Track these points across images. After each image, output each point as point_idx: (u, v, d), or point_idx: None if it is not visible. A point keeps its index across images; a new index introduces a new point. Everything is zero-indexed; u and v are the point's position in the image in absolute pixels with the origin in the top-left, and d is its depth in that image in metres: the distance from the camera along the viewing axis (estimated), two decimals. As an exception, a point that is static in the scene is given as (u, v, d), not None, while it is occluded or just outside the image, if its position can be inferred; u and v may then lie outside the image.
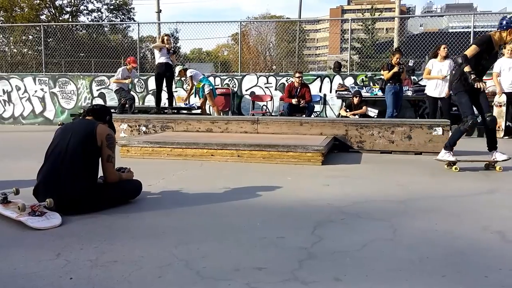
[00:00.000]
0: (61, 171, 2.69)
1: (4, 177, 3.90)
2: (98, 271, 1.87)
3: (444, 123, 5.66)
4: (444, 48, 7.71)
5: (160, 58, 8.36)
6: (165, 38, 8.56)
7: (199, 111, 9.56)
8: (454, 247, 2.20)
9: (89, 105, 3.10)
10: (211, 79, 10.21)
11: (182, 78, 9.86)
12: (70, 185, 2.65)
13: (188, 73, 9.30)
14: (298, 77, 8.65)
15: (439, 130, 5.56)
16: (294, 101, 8.62)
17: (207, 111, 9.91)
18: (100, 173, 2.88)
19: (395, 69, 7.82)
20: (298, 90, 8.70)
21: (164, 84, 8.52)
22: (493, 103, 8.60)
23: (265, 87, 10.37)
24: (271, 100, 10.15)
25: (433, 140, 5.56)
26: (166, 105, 8.85)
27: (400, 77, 7.95)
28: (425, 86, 8.81)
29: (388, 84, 7.97)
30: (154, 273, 1.85)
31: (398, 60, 7.84)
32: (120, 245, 2.20)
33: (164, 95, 8.69)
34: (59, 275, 1.82)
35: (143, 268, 1.90)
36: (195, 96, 9.68)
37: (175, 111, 9.24)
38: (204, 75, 9.67)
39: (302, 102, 8.57)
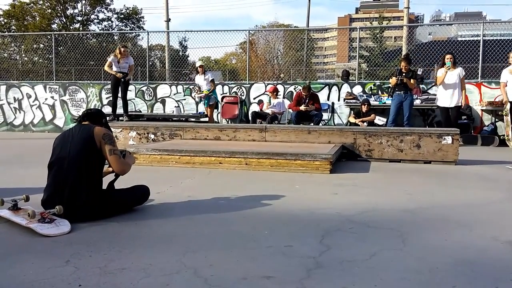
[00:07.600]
0: (65, 183, 2.68)
1: (14, 184, 3.95)
2: (106, 278, 1.88)
3: (454, 132, 5.61)
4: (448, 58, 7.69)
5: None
6: (122, 49, 8.59)
7: (207, 119, 9.61)
8: (464, 257, 2.17)
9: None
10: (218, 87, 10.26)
11: (198, 75, 9.71)
12: (77, 195, 2.66)
13: (210, 75, 9.52)
14: (305, 88, 8.67)
15: (448, 139, 5.51)
16: (303, 107, 8.59)
17: (215, 119, 9.95)
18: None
19: (393, 79, 7.69)
20: (307, 99, 8.70)
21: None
22: (499, 112, 8.57)
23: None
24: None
25: (443, 149, 5.51)
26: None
27: (407, 86, 7.67)
28: (434, 95, 8.78)
29: (395, 92, 7.86)
30: (162, 281, 1.85)
31: (403, 68, 7.66)
32: (128, 252, 2.21)
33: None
34: (68, 282, 1.83)
35: (151, 276, 1.90)
36: (204, 105, 9.73)
37: (183, 119, 9.29)
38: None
39: (311, 107, 8.56)
